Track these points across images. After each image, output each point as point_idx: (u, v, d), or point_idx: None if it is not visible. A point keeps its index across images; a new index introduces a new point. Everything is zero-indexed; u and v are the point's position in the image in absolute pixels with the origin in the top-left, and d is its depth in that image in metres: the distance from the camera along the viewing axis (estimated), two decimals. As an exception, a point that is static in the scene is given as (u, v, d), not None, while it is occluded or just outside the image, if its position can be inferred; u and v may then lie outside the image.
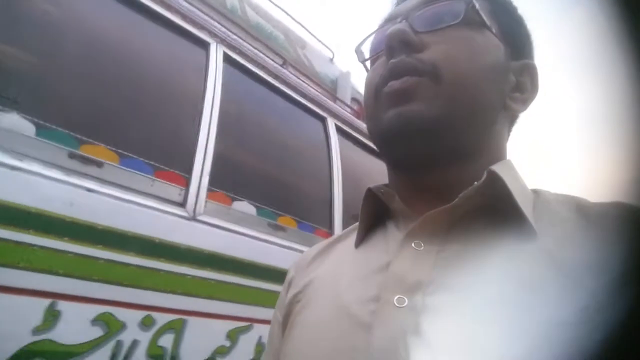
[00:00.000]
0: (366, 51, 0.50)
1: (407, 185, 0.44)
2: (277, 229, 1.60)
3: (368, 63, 0.50)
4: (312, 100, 2.06)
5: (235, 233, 1.42)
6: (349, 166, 2.07)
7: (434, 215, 0.37)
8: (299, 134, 2.00)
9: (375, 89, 0.42)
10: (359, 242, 0.46)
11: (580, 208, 0.37)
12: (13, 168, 0.97)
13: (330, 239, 0.55)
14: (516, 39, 0.44)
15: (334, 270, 0.46)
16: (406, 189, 0.44)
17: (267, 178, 1.75)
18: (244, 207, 1.52)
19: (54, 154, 1.07)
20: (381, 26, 0.47)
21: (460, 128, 0.39)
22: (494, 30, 0.42)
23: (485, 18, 0.41)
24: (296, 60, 2.19)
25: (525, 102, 0.44)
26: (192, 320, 1.25)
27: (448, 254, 0.35)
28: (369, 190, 0.47)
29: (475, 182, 0.36)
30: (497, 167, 0.37)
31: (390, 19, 0.46)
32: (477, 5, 0.40)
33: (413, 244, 0.37)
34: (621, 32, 0.27)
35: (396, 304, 0.33)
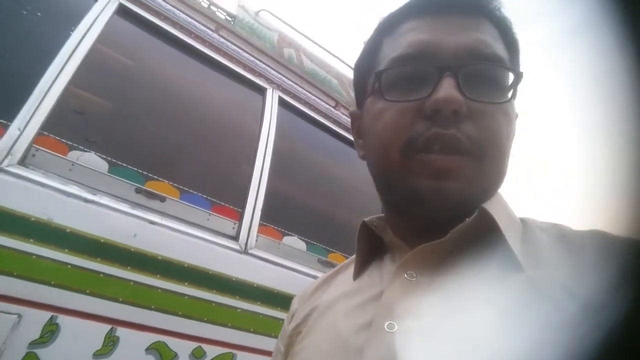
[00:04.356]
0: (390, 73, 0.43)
1: (401, 221, 0.45)
2: (327, 265, 1.59)
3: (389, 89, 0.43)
4: (364, 139, 2.08)
5: (285, 268, 1.43)
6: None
7: (426, 248, 0.39)
8: (350, 172, 2.01)
9: (407, 143, 0.39)
10: (356, 274, 0.48)
11: (561, 236, 0.38)
12: (87, 201, 1.08)
13: (331, 271, 0.56)
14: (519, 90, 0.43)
15: (333, 301, 0.47)
16: (400, 223, 0.45)
17: (319, 215, 1.76)
18: (294, 242, 1.54)
19: (122, 189, 1.18)
20: (410, 55, 0.41)
21: (485, 197, 0.40)
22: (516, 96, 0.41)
23: (517, 88, 0.40)
24: (349, 102, 2.25)
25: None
26: (241, 355, 1.25)
27: (438, 285, 0.36)
28: (363, 223, 0.48)
29: (467, 218, 0.37)
30: (488, 205, 0.38)
31: (425, 51, 0.40)
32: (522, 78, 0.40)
33: (406, 275, 0.38)
34: (620, 34, 0.27)
35: (387, 329, 0.34)
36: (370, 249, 0.49)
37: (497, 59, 0.39)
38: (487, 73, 0.39)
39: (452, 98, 0.36)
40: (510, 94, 0.39)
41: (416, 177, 0.38)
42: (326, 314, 0.46)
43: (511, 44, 0.42)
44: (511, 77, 0.41)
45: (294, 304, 0.56)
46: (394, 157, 0.40)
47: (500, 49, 0.40)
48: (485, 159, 0.37)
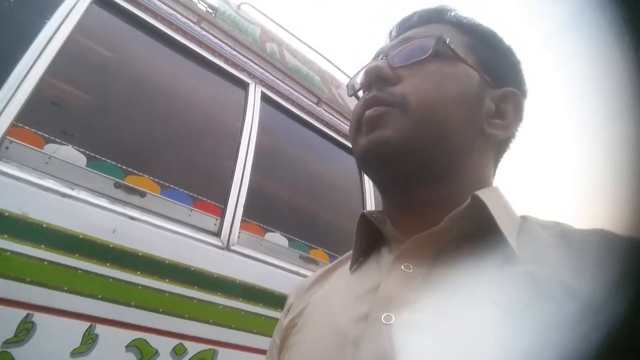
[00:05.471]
0: (358, 85, 0.54)
1: (395, 207, 0.47)
2: (309, 261, 1.60)
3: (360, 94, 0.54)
4: (345, 135, 2.10)
5: (267, 264, 1.43)
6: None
7: (420, 238, 0.39)
8: (333, 169, 2.03)
9: (357, 120, 0.45)
10: (354, 267, 0.48)
11: (563, 234, 0.38)
12: (64, 195, 1.05)
13: (330, 265, 0.56)
14: (497, 69, 0.46)
15: (329, 294, 0.48)
16: (396, 212, 0.46)
17: (301, 211, 1.77)
18: (277, 238, 1.54)
19: (101, 184, 1.15)
20: (369, 63, 0.51)
21: (429, 152, 0.41)
22: (469, 62, 0.44)
23: (458, 51, 0.44)
24: (331, 99, 2.26)
25: (506, 128, 0.46)
26: (223, 351, 1.25)
27: (435, 276, 0.37)
28: (363, 215, 0.49)
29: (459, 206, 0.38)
30: (481, 193, 0.38)
31: (375, 57, 0.51)
32: (447, 41, 0.44)
33: (403, 266, 0.39)
34: (621, 33, 0.27)
35: (384, 321, 0.34)
36: (369, 242, 0.49)
37: (423, 35, 0.45)
38: (413, 47, 0.45)
39: (374, 66, 0.44)
40: (429, 53, 0.43)
41: (361, 139, 0.44)
42: (323, 307, 0.46)
43: (474, 33, 0.48)
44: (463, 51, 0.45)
45: (291, 297, 0.56)
46: (352, 133, 0.47)
47: (436, 30, 0.46)
48: (409, 107, 0.41)
